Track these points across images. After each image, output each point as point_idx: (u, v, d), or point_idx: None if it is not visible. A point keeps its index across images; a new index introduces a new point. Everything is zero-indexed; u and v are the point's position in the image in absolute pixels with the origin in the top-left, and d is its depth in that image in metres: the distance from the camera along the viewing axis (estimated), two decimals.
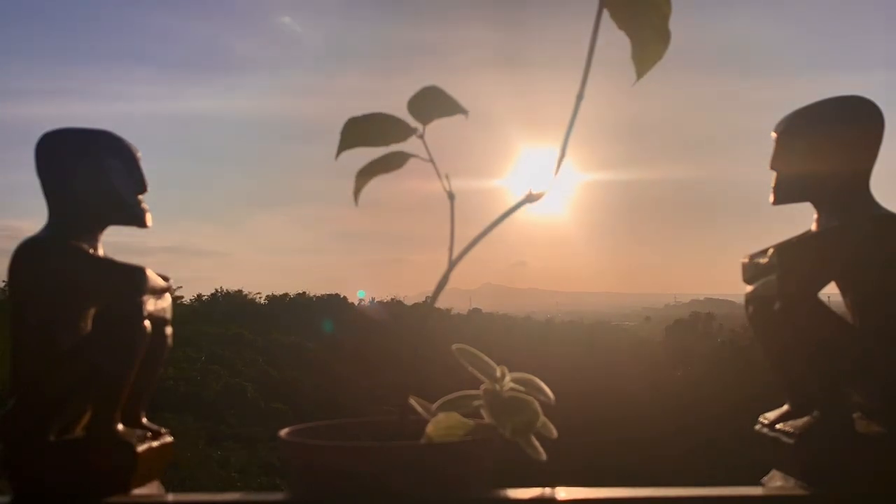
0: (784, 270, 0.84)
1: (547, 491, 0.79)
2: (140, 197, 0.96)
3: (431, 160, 0.81)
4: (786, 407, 0.90)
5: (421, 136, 0.81)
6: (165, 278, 0.94)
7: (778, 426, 0.88)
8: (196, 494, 0.86)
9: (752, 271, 0.92)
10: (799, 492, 0.82)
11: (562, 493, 0.80)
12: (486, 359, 0.80)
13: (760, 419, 0.92)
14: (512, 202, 0.79)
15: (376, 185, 0.84)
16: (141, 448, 0.87)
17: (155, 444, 0.90)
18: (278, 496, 0.81)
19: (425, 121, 0.81)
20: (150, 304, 0.90)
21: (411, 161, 0.82)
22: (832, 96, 0.89)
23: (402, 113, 0.81)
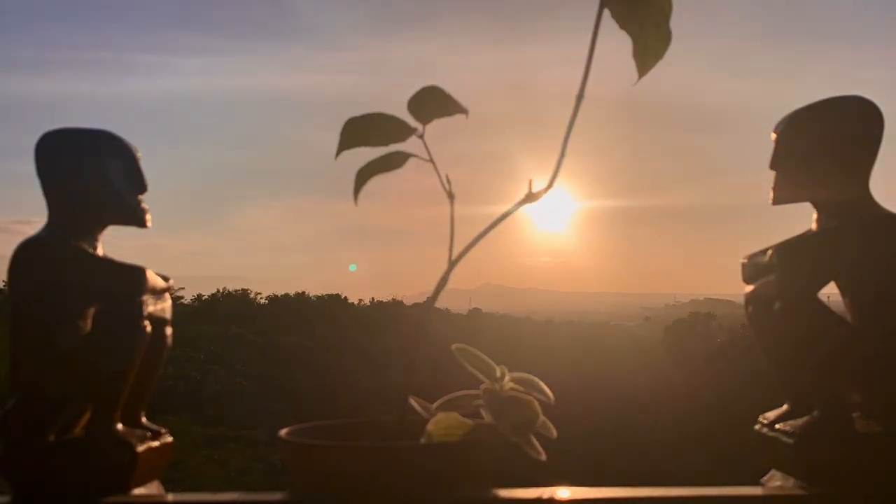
0: (784, 270, 0.84)
1: (547, 491, 0.79)
2: (140, 197, 0.96)
3: (431, 160, 0.81)
4: (785, 407, 0.90)
5: (421, 136, 0.81)
6: (166, 278, 0.94)
7: (777, 426, 0.88)
8: (196, 494, 0.86)
9: (751, 271, 0.92)
10: (798, 492, 0.83)
11: (561, 492, 0.80)
12: (486, 359, 0.80)
13: (760, 419, 0.92)
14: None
15: (375, 181, 0.84)
16: (141, 448, 0.87)
17: (155, 444, 0.90)
18: (278, 496, 0.81)
19: (425, 120, 0.81)
20: (151, 305, 0.90)
21: (412, 159, 0.82)
22: (832, 96, 0.89)
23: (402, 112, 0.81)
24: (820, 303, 0.84)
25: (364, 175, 0.83)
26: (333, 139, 0.81)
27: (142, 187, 0.96)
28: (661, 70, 0.75)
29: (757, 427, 0.91)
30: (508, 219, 0.80)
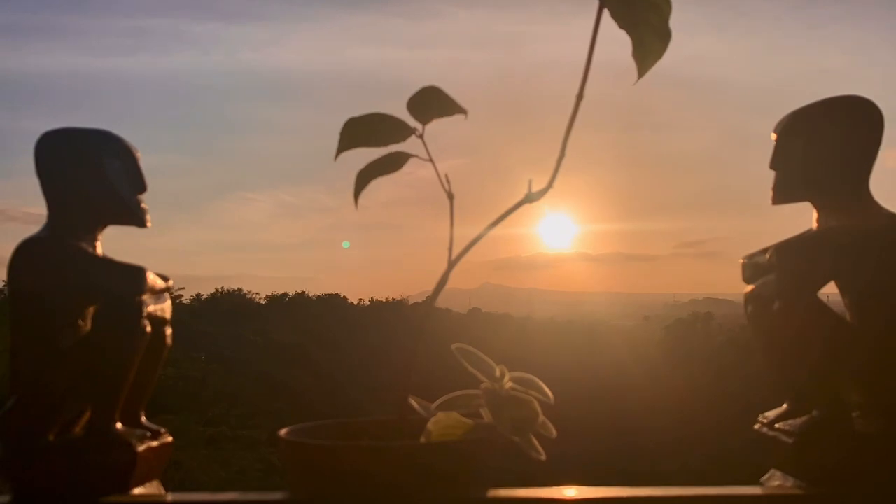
0: (783, 270, 0.84)
1: (547, 490, 0.80)
2: (140, 197, 0.96)
3: (431, 160, 0.81)
4: (785, 406, 0.90)
5: (420, 136, 0.81)
6: (165, 278, 0.94)
7: (777, 426, 0.88)
8: (196, 494, 0.86)
9: (750, 271, 0.92)
10: (797, 491, 0.83)
11: (561, 492, 0.80)
12: (486, 358, 0.80)
13: (759, 418, 0.92)
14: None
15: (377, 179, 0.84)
16: (140, 448, 0.87)
17: (154, 443, 0.90)
18: (278, 496, 0.81)
19: (425, 120, 0.81)
20: (150, 304, 0.90)
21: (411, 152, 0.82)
22: (832, 96, 0.89)
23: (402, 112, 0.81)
24: (819, 302, 0.84)
25: (364, 177, 0.83)
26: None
27: (141, 187, 0.96)
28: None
29: (756, 427, 0.91)
30: (508, 218, 0.80)
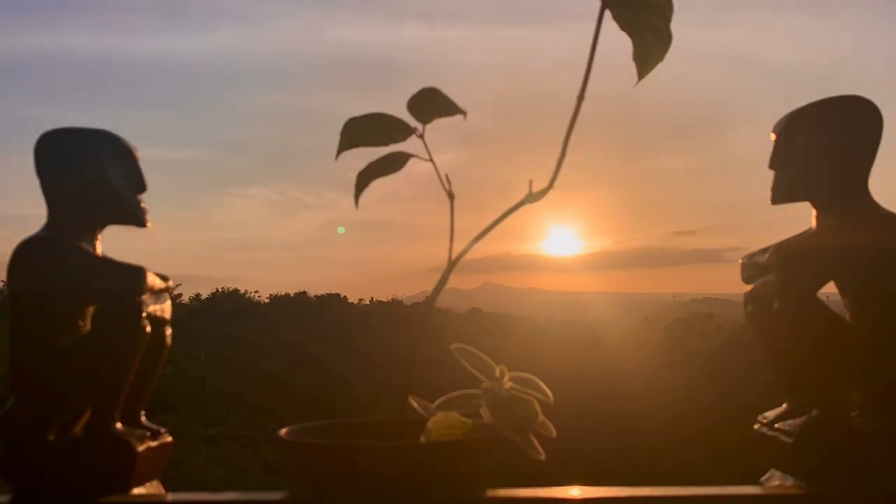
0: (783, 269, 0.85)
1: (548, 490, 0.80)
2: (140, 196, 0.96)
3: (431, 160, 0.81)
4: (784, 406, 0.90)
5: (421, 136, 0.82)
6: (165, 278, 0.94)
7: (777, 425, 0.88)
8: (196, 494, 0.86)
9: (750, 270, 0.92)
10: (797, 491, 0.83)
11: (562, 491, 0.80)
12: (486, 358, 0.80)
13: (759, 418, 0.92)
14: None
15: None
16: (140, 448, 0.87)
17: (154, 443, 0.91)
18: (278, 496, 0.81)
19: (425, 121, 0.81)
20: (150, 304, 0.90)
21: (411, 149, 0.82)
22: (831, 96, 0.89)
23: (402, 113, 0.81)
24: (819, 302, 0.84)
25: (365, 178, 0.83)
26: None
27: (141, 187, 0.96)
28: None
29: (756, 426, 0.91)
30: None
